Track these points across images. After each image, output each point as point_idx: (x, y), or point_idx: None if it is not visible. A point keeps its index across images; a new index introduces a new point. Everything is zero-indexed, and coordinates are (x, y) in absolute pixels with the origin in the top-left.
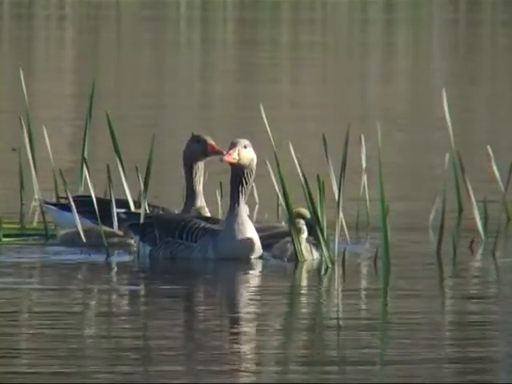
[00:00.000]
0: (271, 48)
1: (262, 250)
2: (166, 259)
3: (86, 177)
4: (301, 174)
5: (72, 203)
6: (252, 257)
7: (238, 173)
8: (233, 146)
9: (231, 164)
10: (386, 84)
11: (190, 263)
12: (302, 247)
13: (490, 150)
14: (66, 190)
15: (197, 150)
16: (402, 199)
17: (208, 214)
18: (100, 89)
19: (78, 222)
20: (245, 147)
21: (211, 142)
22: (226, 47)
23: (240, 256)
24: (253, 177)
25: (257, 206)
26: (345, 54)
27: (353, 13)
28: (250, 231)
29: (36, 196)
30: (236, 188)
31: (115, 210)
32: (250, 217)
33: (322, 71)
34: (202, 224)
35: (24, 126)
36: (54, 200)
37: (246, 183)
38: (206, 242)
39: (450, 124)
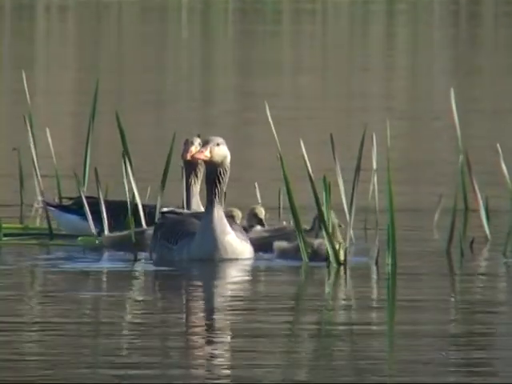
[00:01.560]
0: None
1: (241, 252)
2: (157, 261)
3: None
4: (309, 176)
5: (86, 206)
6: (225, 258)
7: (211, 171)
8: (205, 143)
9: (204, 162)
10: (386, 77)
11: (193, 265)
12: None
13: (499, 148)
14: (80, 192)
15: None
16: (406, 198)
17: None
18: (102, 84)
19: (92, 225)
20: (217, 145)
21: (190, 147)
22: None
23: (212, 258)
24: (227, 175)
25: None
26: (346, 47)
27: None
28: (222, 233)
29: (39, 197)
30: (210, 188)
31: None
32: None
33: (323, 64)
34: (191, 226)
35: (28, 126)
36: (56, 201)
37: (220, 182)
38: (184, 244)
39: (457, 123)
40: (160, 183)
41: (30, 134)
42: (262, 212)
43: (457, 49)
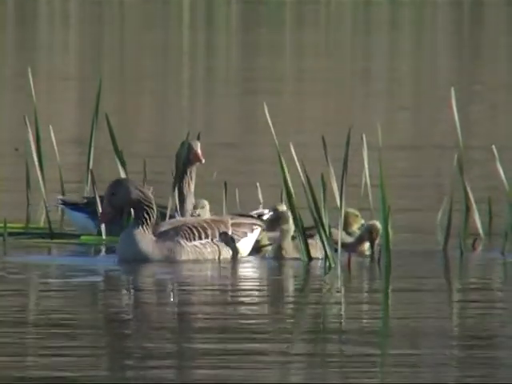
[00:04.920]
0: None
1: (152, 254)
2: None
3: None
4: (303, 176)
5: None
6: (137, 260)
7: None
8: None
9: None
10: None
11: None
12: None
13: (495, 150)
14: (94, 190)
15: (183, 155)
16: (407, 199)
17: (207, 215)
18: (104, 81)
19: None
20: None
21: (196, 149)
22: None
23: (129, 259)
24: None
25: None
26: (348, 48)
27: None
28: (133, 235)
29: (58, 196)
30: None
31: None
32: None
33: (326, 66)
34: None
35: (29, 126)
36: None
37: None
38: None
39: (458, 125)
40: (172, 185)
41: (30, 133)
42: (283, 207)
43: (460, 48)
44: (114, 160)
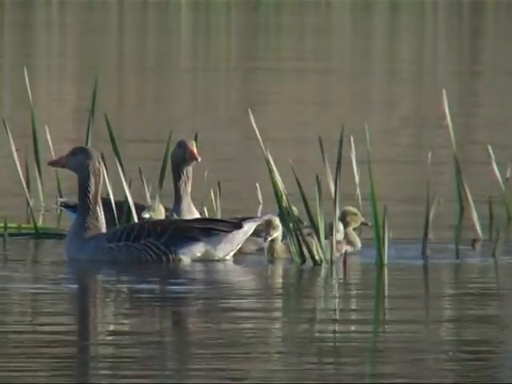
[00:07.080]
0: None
1: (71, 251)
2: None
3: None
4: (295, 176)
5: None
6: (69, 258)
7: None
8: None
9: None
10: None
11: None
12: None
13: (490, 150)
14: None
15: (179, 154)
16: (401, 197)
17: (162, 216)
18: (102, 78)
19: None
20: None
21: (192, 147)
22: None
23: (68, 257)
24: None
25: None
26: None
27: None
28: (68, 233)
29: (58, 198)
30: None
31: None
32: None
33: (325, 60)
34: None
35: (8, 130)
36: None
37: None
38: None
39: (450, 123)
40: (159, 183)
41: (11, 139)
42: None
43: (460, 39)
44: (113, 160)
